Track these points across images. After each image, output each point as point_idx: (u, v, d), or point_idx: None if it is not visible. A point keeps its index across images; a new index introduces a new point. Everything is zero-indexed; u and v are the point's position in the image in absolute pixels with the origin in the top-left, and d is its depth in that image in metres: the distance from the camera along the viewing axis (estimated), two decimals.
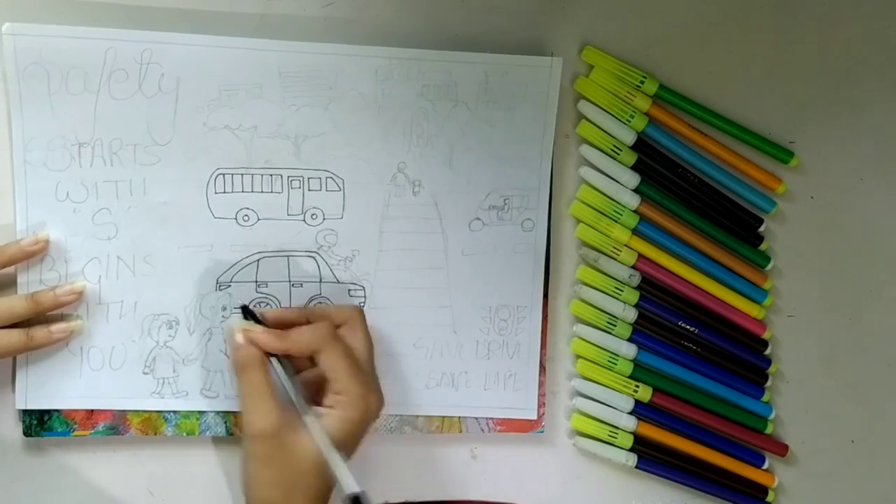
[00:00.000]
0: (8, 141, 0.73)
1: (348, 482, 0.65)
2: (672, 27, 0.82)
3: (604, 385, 0.83)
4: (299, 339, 0.70)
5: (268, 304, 0.77)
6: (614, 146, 0.81)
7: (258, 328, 0.71)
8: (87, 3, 0.73)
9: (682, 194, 0.83)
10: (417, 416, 0.80)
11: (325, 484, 0.68)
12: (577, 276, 0.82)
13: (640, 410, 0.83)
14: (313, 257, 0.77)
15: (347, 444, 0.68)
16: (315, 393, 0.71)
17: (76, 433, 0.76)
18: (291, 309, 0.76)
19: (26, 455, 0.76)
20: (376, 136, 0.77)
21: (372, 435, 0.72)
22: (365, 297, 0.78)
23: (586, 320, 0.82)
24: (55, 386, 0.75)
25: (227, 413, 0.77)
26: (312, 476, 0.67)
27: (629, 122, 0.80)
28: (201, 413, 0.77)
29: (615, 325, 0.82)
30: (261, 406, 0.68)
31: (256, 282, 0.76)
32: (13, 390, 0.74)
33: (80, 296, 0.74)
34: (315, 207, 0.77)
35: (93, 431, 0.76)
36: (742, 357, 0.85)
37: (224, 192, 0.75)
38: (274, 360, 0.70)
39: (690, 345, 0.84)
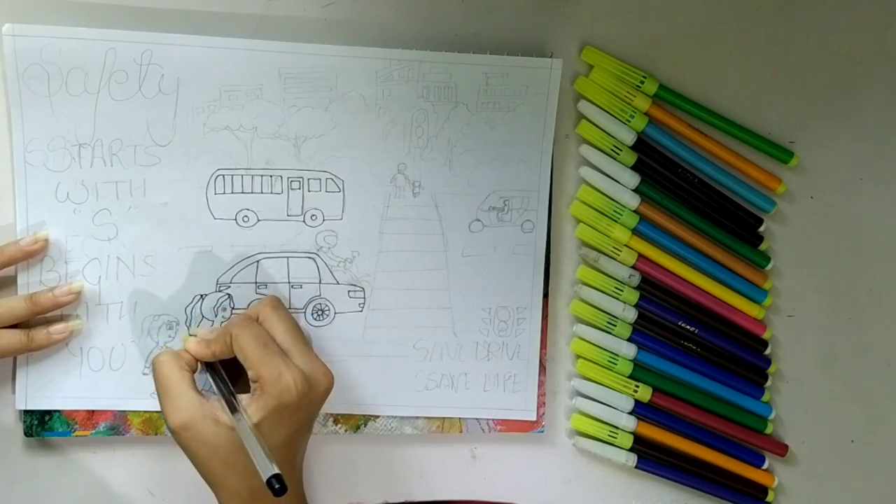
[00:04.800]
0: (8, 141, 0.73)
1: (263, 465, 0.64)
2: (672, 27, 0.82)
3: (604, 385, 0.83)
4: (218, 338, 0.71)
5: None
6: (614, 146, 0.81)
7: (192, 339, 0.73)
8: (87, 4, 0.73)
9: (682, 194, 0.83)
10: (418, 417, 0.80)
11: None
12: (577, 276, 0.82)
13: (640, 410, 0.83)
14: (313, 258, 0.77)
15: (276, 427, 0.68)
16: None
17: (77, 433, 0.76)
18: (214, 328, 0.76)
19: (27, 455, 0.76)
20: (376, 137, 0.77)
21: (324, 410, 0.73)
22: (364, 298, 0.78)
23: (586, 320, 0.82)
24: (55, 386, 0.75)
25: None
26: (241, 460, 0.66)
27: (629, 122, 0.80)
28: None
29: (615, 325, 0.82)
30: (172, 401, 0.68)
31: (256, 283, 0.77)
32: (13, 391, 0.75)
33: (78, 296, 0.74)
34: (315, 208, 0.77)
35: (93, 432, 0.76)
36: (742, 357, 0.85)
37: (224, 193, 0.75)
38: (206, 367, 0.72)
39: (690, 345, 0.84)
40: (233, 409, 0.67)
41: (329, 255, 0.77)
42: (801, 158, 0.84)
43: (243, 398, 0.68)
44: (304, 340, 0.73)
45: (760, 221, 0.84)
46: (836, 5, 0.84)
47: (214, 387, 0.71)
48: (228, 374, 0.72)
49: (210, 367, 0.72)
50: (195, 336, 0.74)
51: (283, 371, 0.68)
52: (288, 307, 0.77)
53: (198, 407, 0.68)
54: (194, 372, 0.71)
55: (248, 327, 0.70)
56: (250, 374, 0.69)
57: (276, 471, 0.63)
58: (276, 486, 0.63)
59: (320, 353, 0.76)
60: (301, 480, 0.72)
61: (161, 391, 0.69)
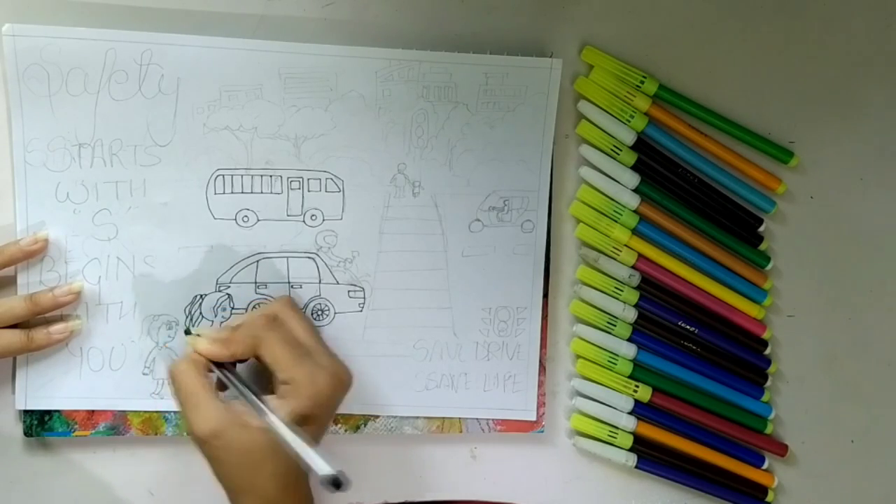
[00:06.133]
0: (8, 141, 0.73)
1: (321, 465, 0.63)
2: (672, 27, 0.82)
3: (604, 385, 0.83)
4: (239, 339, 0.70)
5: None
6: (614, 146, 0.81)
7: (203, 340, 0.70)
8: (87, 4, 0.73)
9: (682, 194, 0.83)
10: (418, 417, 0.80)
11: (290, 466, 0.66)
12: (577, 276, 0.82)
13: (640, 410, 0.83)
14: (313, 258, 0.77)
15: (309, 429, 0.67)
16: (269, 384, 0.70)
17: (77, 433, 0.76)
18: (223, 328, 0.74)
19: (27, 455, 0.76)
20: (376, 137, 0.77)
21: (342, 409, 0.72)
22: (364, 298, 0.78)
23: (586, 320, 0.82)
24: (55, 386, 0.75)
25: None
26: (271, 463, 0.66)
27: (629, 122, 0.80)
28: None
29: (615, 325, 0.82)
30: (198, 410, 0.67)
31: (256, 283, 0.77)
32: (13, 390, 0.75)
33: (77, 296, 0.74)
34: (315, 208, 0.77)
35: (93, 431, 0.76)
36: (742, 357, 0.85)
37: (224, 193, 0.75)
38: (220, 368, 0.70)
39: (690, 345, 0.84)
40: (263, 410, 0.67)
41: (329, 255, 0.77)
42: (801, 158, 0.84)
43: (271, 399, 0.68)
44: (322, 339, 0.73)
45: (760, 221, 0.84)
46: (836, 5, 0.84)
47: (236, 388, 0.69)
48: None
49: (223, 367, 0.71)
50: (198, 336, 0.72)
51: (315, 373, 0.68)
52: None
53: (225, 413, 0.67)
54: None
55: (275, 329, 0.70)
56: (281, 376, 0.68)
57: (337, 468, 0.63)
58: (340, 482, 0.62)
59: None
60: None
61: (184, 400, 0.68)
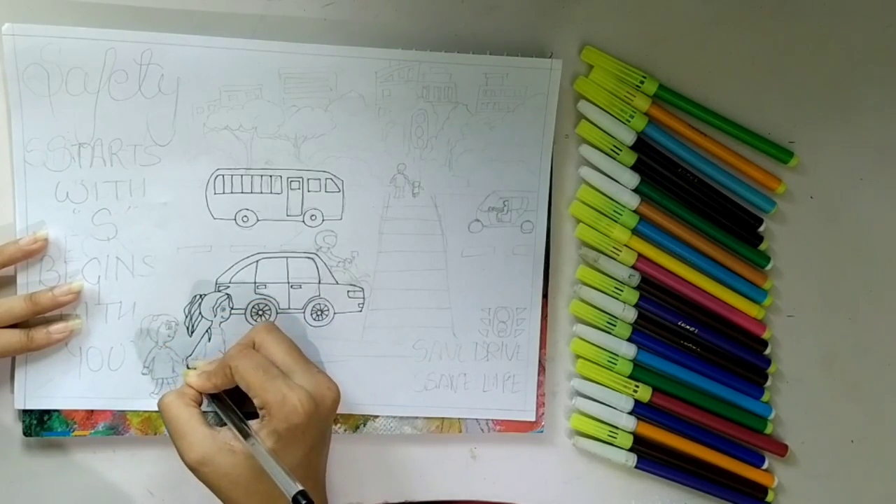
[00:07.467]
0: (8, 141, 0.73)
1: (286, 485, 0.64)
2: (672, 27, 0.82)
3: (603, 385, 0.83)
4: (218, 371, 0.72)
5: (267, 305, 0.77)
6: (614, 146, 0.81)
7: (193, 373, 0.73)
8: (87, 4, 0.73)
9: (682, 194, 0.82)
10: (417, 417, 0.80)
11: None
12: (576, 276, 0.82)
13: (640, 410, 0.83)
14: (312, 258, 0.77)
15: (290, 449, 0.68)
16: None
17: (76, 433, 0.76)
18: (213, 360, 0.76)
19: (26, 455, 0.76)
20: (376, 137, 0.77)
21: (335, 425, 0.74)
22: (364, 298, 0.78)
23: (586, 320, 0.82)
24: (54, 386, 0.75)
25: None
26: (261, 486, 0.67)
27: (629, 122, 0.80)
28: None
29: (615, 325, 0.82)
30: (185, 439, 0.69)
31: (255, 283, 0.77)
32: (12, 390, 0.75)
33: (77, 296, 0.74)
34: (314, 208, 0.77)
35: (93, 431, 0.76)
36: (742, 357, 0.85)
37: (223, 193, 0.75)
38: (211, 398, 0.73)
39: (690, 345, 0.84)
40: (245, 434, 0.68)
41: (328, 255, 0.77)
42: (801, 158, 0.84)
43: (253, 424, 0.69)
44: (304, 358, 0.73)
45: (760, 221, 0.84)
46: (836, 5, 0.84)
47: (223, 416, 0.71)
48: (236, 401, 0.72)
49: (215, 397, 0.73)
50: (194, 369, 0.74)
51: (286, 393, 0.68)
52: (287, 307, 0.77)
53: (211, 440, 0.68)
54: (200, 405, 0.72)
55: (246, 356, 0.71)
56: (256, 401, 0.69)
57: (300, 488, 0.64)
58: (303, 502, 0.63)
59: (320, 353, 0.77)
60: (325, 495, 0.73)
61: (172, 431, 0.70)
